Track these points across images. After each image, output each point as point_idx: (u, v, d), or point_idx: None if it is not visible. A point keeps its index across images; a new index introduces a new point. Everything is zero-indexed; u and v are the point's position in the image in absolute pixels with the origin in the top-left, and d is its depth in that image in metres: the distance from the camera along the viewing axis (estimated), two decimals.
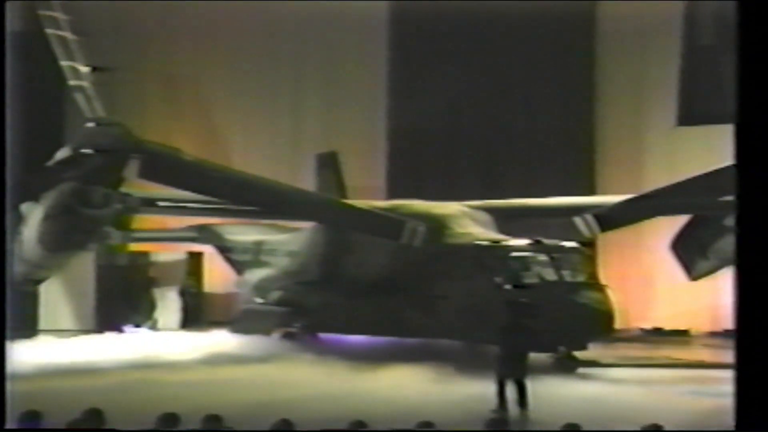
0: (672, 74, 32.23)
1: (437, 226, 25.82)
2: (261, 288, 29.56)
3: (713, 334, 31.71)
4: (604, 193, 30.34)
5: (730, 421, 12.31)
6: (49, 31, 25.34)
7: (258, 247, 30.39)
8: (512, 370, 19.72)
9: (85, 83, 25.10)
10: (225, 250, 31.28)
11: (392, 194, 32.36)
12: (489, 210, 27.73)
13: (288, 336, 28.16)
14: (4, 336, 9.85)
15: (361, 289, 26.76)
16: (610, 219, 25.46)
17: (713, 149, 28.64)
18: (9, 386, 11.02)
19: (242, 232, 30.82)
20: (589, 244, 26.54)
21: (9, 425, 10.84)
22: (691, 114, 31.31)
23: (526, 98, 33.84)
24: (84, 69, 25.23)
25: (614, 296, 24.73)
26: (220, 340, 28.14)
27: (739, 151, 7.96)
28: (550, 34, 33.70)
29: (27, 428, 10.54)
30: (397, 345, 25.89)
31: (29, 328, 31.19)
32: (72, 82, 25.16)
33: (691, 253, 26.63)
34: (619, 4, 33.18)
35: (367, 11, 34.33)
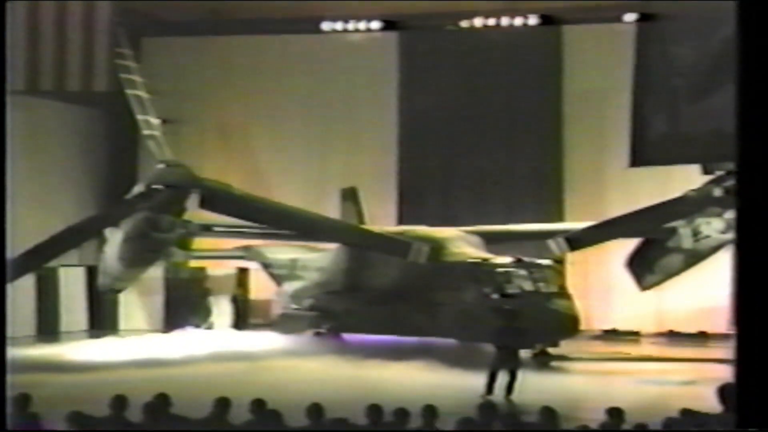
0: (626, 124, 32.12)
1: (437, 246, 25.81)
2: (296, 296, 29.56)
3: (659, 334, 31.59)
4: (572, 220, 30.27)
5: (672, 404, 12.30)
6: (128, 91, 25.51)
7: (294, 264, 30.37)
8: (507, 363, 19.66)
9: (156, 133, 25.22)
10: (267, 266, 31.24)
11: (401, 221, 32.35)
12: (479, 234, 27.73)
13: (318, 335, 28.18)
14: (4, 338, 9.01)
15: (377, 297, 26.77)
16: (578, 241, 25.43)
17: (659, 186, 28.68)
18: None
19: (281, 252, 30.79)
20: (559, 261, 26.54)
21: (90, 409, 10.53)
22: (641, 157, 31.21)
23: (507, 143, 33.78)
24: (155, 121, 25.36)
25: (580, 303, 24.72)
26: (263, 339, 28.19)
27: (739, 151, 7.10)
28: (527, 94, 33.62)
29: (26, 428, 10.06)
30: (405, 343, 25.85)
31: (111, 328, 31.36)
32: (145, 132, 25.27)
33: (642, 269, 26.56)
34: (583, 70, 33.10)
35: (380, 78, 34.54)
